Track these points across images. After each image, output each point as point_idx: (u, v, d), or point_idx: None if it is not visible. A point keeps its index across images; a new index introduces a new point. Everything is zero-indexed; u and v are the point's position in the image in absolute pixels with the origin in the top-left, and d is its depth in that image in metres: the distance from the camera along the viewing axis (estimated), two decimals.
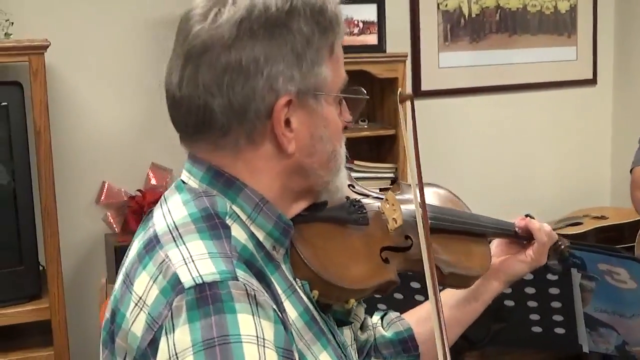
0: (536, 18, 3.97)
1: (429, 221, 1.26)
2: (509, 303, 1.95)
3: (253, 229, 1.10)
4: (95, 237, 3.21)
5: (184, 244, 1.02)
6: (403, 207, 1.30)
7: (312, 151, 1.12)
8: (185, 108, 1.09)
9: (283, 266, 1.12)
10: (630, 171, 2.92)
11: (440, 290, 1.29)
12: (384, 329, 1.49)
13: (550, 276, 1.89)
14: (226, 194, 1.10)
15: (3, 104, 2.70)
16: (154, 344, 0.96)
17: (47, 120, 2.75)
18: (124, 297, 1.04)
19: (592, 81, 4.15)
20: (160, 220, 1.09)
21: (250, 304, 0.96)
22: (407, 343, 1.48)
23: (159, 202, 1.16)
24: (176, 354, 0.93)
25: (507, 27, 3.91)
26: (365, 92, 1.20)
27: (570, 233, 3.53)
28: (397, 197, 1.32)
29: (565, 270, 1.86)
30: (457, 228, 1.44)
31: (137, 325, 0.99)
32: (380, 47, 3.47)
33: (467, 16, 3.82)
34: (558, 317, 1.96)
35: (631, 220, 3.62)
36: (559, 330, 1.98)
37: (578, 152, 4.15)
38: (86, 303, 3.08)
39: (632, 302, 1.91)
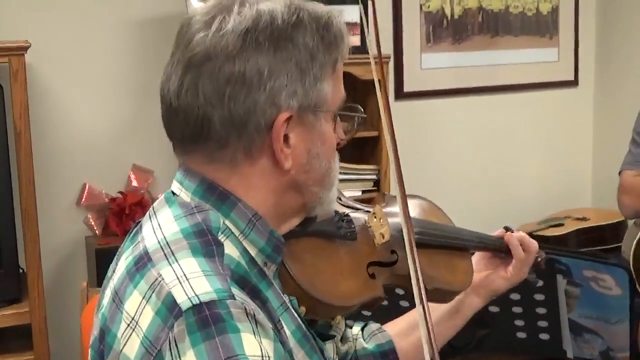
0: (518, 19, 3.97)
1: (415, 236, 1.24)
2: (494, 309, 1.96)
3: (246, 244, 1.07)
4: (75, 240, 3.17)
5: (177, 261, 0.99)
6: (390, 220, 1.29)
7: (308, 168, 1.10)
8: (182, 118, 1.06)
9: (274, 282, 1.10)
10: (619, 173, 2.82)
11: None
12: (364, 340, 1.48)
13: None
14: (219, 209, 1.07)
15: None
16: None
17: (27, 121, 2.72)
18: (115, 317, 1.01)
19: (574, 82, 4.15)
20: (150, 235, 1.06)
21: (251, 323, 0.94)
22: (387, 356, 1.47)
23: (147, 214, 1.13)
24: None
25: (489, 29, 3.91)
26: (362, 110, 1.18)
27: (552, 235, 3.54)
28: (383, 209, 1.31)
29: (546, 278, 1.86)
30: (442, 243, 1.43)
31: (129, 348, 0.97)
32: (363, 48, 3.46)
33: (449, 17, 3.81)
34: (543, 323, 1.96)
35: (612, 221, 3.63)
36: (544, 336, 1.98)
37: (559, 153, 4.17)
38: (67, 306, 3.04)
39: (617, 308, 1.92)
